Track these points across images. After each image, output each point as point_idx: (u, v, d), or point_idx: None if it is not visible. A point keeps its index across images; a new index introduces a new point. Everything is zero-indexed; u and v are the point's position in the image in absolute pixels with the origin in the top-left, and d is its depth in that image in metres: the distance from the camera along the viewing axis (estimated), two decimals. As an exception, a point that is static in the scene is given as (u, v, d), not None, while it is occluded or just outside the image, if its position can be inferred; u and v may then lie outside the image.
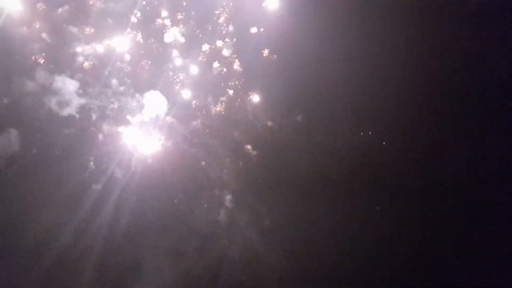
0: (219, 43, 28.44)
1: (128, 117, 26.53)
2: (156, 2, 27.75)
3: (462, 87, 28.10)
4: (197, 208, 26.58)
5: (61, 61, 26.02)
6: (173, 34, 27.87)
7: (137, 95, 27.01)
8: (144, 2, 27.55)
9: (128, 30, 27.27)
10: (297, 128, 28.37)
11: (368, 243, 26.46)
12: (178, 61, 27.74)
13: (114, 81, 26.77)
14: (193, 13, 27.90)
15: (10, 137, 25.04)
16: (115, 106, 26.54)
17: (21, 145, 24.92)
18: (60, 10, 26.62)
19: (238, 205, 26.87)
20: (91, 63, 26.32)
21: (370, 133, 27.76)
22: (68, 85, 25.63)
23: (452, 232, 26.73)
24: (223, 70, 28.33)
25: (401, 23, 28.38)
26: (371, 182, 27.03)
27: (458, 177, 27.33)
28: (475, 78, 28.19)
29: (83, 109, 25.91)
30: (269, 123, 28.42)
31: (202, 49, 28.07)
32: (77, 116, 25.76)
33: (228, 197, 26.87)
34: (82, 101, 25.96)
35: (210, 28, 28.30)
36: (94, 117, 26.04)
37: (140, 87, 27.10)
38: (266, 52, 28.75)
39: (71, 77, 25.90)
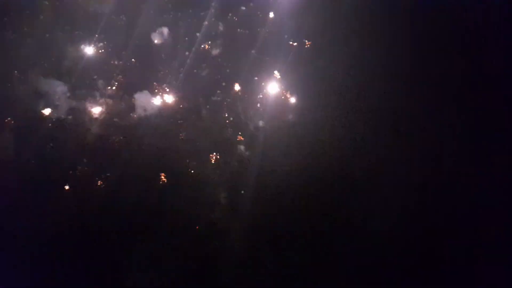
0: (209, 43, 28.54)
1: (116, 119, 26.54)
2: (143, 4, 28.10)
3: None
4: (190, 209, 26.47)
5: (48, 64, 26.48)
6: (161, 35, 28.07)
7: (126, 96, 27.18)
8: (131, 4, 28.02)
9: (116, 32, 27.67)
10: (289, 128, 28.30)
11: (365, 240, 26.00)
12: (167, 62, 27.91)
13: (102, 83, 27.09)
14: (180, 14, 28.15)
15: (3, 141, 25.66)
16: (104, 108, 26.63)
17: (12, 149, 25.43)
18: (46, 14, 27.34)
19: (231, 205, 26.71)
20: (78, 66, 26.66)
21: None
22: (56, 88, 25.93)
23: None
24: (213, 71, 28.42)
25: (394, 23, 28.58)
26: (363, 181, 26.53)
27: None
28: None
29: (72, 112, 26.05)
30: (261, 123, 28.34)
31: (192, 50, 28.21)
32: (67, 118, 25.88)
33: (222, 196, 26.71)
34: (71, 103, 26.15)
35: (198, 28, 28.44)
36: (83, 119, 26.07)
37: (129, 89, 27.22)
38: (256, 52, 28.85)
39: (59, 79, 26.17)
